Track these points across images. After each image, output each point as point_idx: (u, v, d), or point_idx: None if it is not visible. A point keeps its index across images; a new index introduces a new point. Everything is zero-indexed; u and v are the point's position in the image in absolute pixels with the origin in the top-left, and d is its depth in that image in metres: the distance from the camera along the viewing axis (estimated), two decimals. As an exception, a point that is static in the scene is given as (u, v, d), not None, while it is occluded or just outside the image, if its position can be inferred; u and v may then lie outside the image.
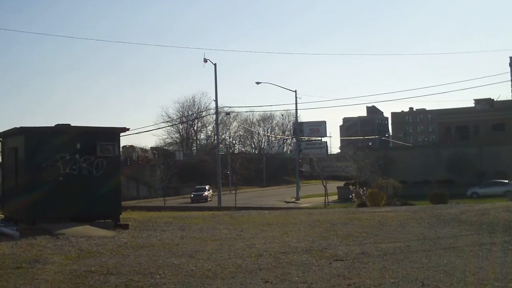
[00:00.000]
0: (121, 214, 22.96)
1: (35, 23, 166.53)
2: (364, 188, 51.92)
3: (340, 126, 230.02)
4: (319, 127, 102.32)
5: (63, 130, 22.57)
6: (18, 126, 22.27)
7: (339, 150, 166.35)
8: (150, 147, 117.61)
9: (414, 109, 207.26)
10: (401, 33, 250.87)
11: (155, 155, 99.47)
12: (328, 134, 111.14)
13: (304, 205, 62.27)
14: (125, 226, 21.53)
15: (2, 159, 25.24)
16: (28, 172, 21.49)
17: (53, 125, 23.03)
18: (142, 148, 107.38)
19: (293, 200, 70.50)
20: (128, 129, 24.21)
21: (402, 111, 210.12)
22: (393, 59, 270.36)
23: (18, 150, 22.36)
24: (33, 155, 21.47)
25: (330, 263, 13.34)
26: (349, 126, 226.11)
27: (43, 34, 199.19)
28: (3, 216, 24.45)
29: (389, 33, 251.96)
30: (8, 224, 21.97)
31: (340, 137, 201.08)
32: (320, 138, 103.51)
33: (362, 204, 45.57)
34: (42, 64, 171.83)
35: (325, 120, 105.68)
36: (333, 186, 69.58)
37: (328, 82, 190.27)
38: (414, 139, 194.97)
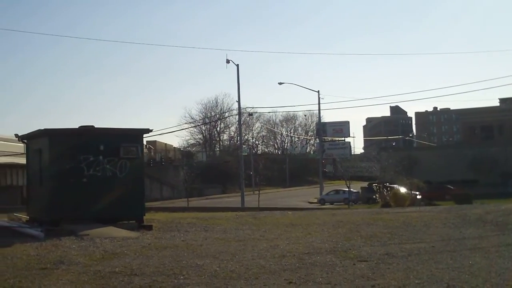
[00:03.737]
0: (144, 215, 23.03)
1: (50, 23, 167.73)
2: (388, 189, 51.70)
3: (364, 126, 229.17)
4: (342, 127, 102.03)
5: (86, 132, 22.68)
6: (41, 128, 22.42)
7: (362, 151, 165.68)
8: (174, 147, 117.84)
9: (438, 109, 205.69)
10: (424, 32, 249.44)
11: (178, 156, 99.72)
12: (351, 135, 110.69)
13: (328, 205, 62.21)
14: (149, 227, 21.59)
15: (26, 161, 25.42)
16: (52, 173, 21.64)
17: (76, 126, 23.15)
18: (166, 144, 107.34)
19: (316, 200, 70.30)
20: (151, 130, 24.26)
21: (426, 111, 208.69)
22: (417, 59, 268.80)
23: (42, 152, 22.51)
24: (57, 157, 21.61)
25: (354, 264, 13.26)
26: (372, 126, 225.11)
27: (61, 36, 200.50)
28: (28, 217, 24.63)
29: (412, 32, 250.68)
30: (33, 225, 22.15)
31: (364, 137, 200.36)
32: (343, 139, 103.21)
33: (386, 205, 45.36)
34: (63, 65, 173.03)
35: (348, 120, 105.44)
36: (356, 186, 69.28)
37: (351, 82, 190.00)
38: (438, 139, 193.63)
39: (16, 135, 25.52)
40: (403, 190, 51.28)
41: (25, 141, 25.21)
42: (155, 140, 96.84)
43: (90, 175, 21.71)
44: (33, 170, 24.14)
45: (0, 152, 57.62)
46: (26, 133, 24.73)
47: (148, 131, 23.97)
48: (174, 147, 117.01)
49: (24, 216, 25.73)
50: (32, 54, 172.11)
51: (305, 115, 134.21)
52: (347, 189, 62.61)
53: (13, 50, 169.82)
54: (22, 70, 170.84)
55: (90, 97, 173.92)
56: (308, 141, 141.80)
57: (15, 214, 27.46)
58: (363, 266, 13.04)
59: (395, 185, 54.09)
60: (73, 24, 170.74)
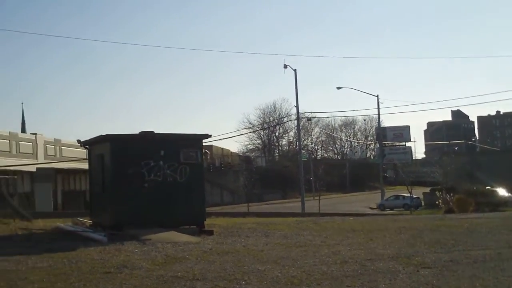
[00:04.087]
0: (205, 220, 23.12)
1: (115, 32, 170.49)
2: (451, 194, 50.86)
3: (424, 131, 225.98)
4: (403, 132, 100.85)
5: (147, 137, 22.89)
6: (103, 133, 22.74)
7: (423, 155, 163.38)
8: (231, 152, 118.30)
9: (502, 113, 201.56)
10: (487, 34, 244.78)
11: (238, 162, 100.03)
12: (412, 139, 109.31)
13: (387, 211, 61.53)
14: (210, 232, 21.66)
15: (89, 166, 25.84)
16: (114, 178, 21.92)
17: (136, 132, 23.39)
18: (223, 149, 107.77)
19: (376, 206, 69.61)
20: (210, 136, 24.36)
21: (489, 115, 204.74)
22: (479, 61, 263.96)
23: (104, 158, 22.82)
24: (119, 162, 21.87)
25: (418, 271, 13.01)
26: (433, 130, 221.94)
27: (125, 44, 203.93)
28: (91, 222, 25.01)
29: (473, 34, 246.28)
30: (96, 229, 22.46)
31: (425, 142, 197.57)
32: (404, 143, 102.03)
33: (449, 211, 44.63)
34: (123, 72, 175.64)
35: (408, 124, 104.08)
36: (418, 192, 68.33)
37: (411, 85, 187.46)
38: (502, 143, 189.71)
39: (79, 141, 25.95)
40: (502, 193, 50.43)
41: (87, 146, 25.61)
42: (211, 145, 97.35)
43: (151, 180, 21.92)
44: (96, 176, 24.49)
45: (64, 158, 58.79)
46: (88, 139, 25.11)
47: (207, 136, 24.07)
48: (231, 152, 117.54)
49: (87, 221, 26.13)
50: (95, 62, 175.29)
51: (364, 120, 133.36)
52: (407, 195, 61.81)
53: (79, 58, 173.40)
54: (86, 78, 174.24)
55: (148, 102, 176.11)
56: (368, 146, 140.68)
57: (78, 218, 27.90)
58: (427, 273, 12.79)
59: (496, 188, 53.24)
60: (139, 31, 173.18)
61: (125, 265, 14.08)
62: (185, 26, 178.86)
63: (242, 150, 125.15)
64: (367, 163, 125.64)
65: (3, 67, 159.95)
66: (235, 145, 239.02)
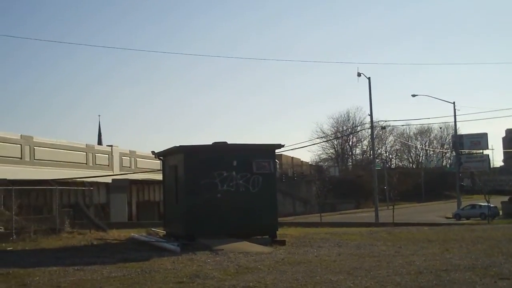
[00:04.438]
0: (277, 230, 23.08)
1: (193, 44, 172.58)
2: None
3: (503, 138, 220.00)
4: (480, 140, 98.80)
5: (220, 147, 23.05)
6: (177, 145, 22.98)
7: (502, 163, 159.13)
8: (301, 161, 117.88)
9: None
10: None
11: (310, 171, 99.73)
12: (490, 147, 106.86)
13: (463, 220, 60.18)
14: (282, 242, 21.60)
15: (163, 177, 26.15)
16: (188, 189, 22.12)
17: (206, 143, 23.55)
18: (293, 158, 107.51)
19: (452, 215, 68.17)
20: (283, 146, 24.33)
21: None
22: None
23: (177, 168, 23.07)
24: (192, 172, 22.07)
25: (495, 282, 12.61)
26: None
27: (198, 56, 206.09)
28: (164, 232, 25.30)
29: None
30: (169, 239, 22.72)
31: (503, 149, 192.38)
32: (481, 151, 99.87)
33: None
34: (199, 85, 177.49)
35: (486, 132, 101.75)
36: (496, 201, 66.60)
37: (490, 91, 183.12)
38: None
39: (153, 152, 26.32)
40: None
41: (161, 157, 25.95)
42: (281, 154, 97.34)
43: (224, 190, 22.05)
44: (169, 186, 24.78)
45: (139, 169, 59.76)
46: (162, 150, 25.42)
47: (280, 146, 24.06)
48: (302, 161, 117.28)
49: (161, 231, 26.46)
50: (169, 74, 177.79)
51: (440, 128, 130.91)
52: (484, 204, 60.30)
53: (153, 70, 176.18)
54: (163, 91, 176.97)
55: (218, 113, 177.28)
56: (444, 154, 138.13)
57: (152, 229, 28.30)
58: (505, 284, 12.38)
59: None
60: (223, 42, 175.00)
61: (198, 275, 14.14)
62: (256, 33, 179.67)
63: (315, 160, 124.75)
64: (443, 171, 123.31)
65: (78, 79, 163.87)
66: (308, 154, 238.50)
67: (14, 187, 26.62)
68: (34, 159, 46.09)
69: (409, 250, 19.13)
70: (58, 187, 31.44)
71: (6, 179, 36.58)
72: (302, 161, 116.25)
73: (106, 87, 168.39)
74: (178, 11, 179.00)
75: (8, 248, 21.48)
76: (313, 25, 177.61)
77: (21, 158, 44.55)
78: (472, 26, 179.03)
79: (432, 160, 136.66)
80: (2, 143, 42.56)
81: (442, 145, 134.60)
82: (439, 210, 78.71)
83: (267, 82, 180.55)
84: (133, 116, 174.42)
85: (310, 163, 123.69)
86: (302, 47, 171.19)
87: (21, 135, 45.35)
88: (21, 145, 44.74)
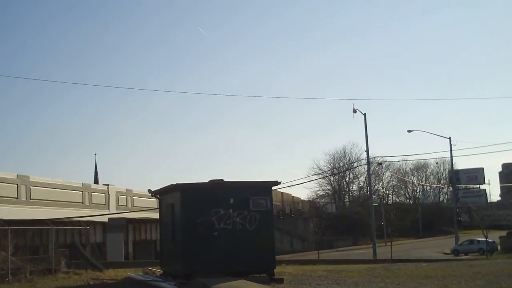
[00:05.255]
0: (275, 268, 22.93)
1: (184, 81, 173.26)
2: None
3: (499, 173, 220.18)
4: (477, 174, 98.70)
5: (217, 185, 23.01)
6: (174, 183, 22.94)
7: (499, 198, 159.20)
8: (302, 200, 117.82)
9: None
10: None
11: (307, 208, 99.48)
12: (486, 181, 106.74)
13: (462, 256, 59.94)
14: (280, 280, 21.47)
15: (159, 215, 26.08)
16: (184, 227, 22.04)
17: (206, 181, 23.53)
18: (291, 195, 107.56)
19: (450, 251, 67.95)
20: (279, 183, 24.33)
21: None
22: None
23: (174, 207, 23.01)
24: (189, 211, 22.02)
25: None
26: (509, 172, 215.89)
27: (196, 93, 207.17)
28: (161, 271, 25.14)
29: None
30: (166, 279, 22.57)
31: (500, 183, 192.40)
32: (478, 186, 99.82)
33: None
34: (195, 122, 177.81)
35: (482, 167, 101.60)
36: (494, 235, 66.45)
37: (485, 125, 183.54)
38: None
39: (149, 191, 26.27)
40: None
41: (158, 196, 25.90)
42: (282, 192, 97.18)
43: (221, 228, 21.97)
44: (166, 224, 24.69)
45: (135, 208, 59.62)
46: (158, 188, 25.37)
47: (277, 183, 24.06)
48: (300, 199, 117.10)
49: (157, 270, 26.30)
50: (162, 113, 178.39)
51: (436, 163, 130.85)
52: (482, 239, 60.15)
53: (150, 108, 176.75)
54: (159, 129, 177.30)
55: (214, 151, 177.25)
56: (441, 189, 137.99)
57: (149, 268, 28.14)
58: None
59: None
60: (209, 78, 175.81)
61: (195, 314, 14.01)
62: (248, 67, 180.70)
63: (312, 196, 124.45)
64: (440, 207, 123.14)
65: (74, 118, 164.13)
66: (304, 191, 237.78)
67: (10, 227, 26.50)
68: (30, 199, 45.98)
69: (407, 287, 19.01)
70: (54, 227, 31.32)
71: (2, 219, 36.46)
72: (299, 198, 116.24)
73: (102, 126, 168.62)
74: (169, 46, 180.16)
75: (4, 289, 21.32)
76: (306, 60, 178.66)
77: (17, 198, 44.43)
78: (468, 61, 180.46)
79: (429, 196, 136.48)
80: (-2, 183, 42.46)
81: (439, 180, 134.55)
82: (437, 246, 78.46)
83: (262, 118, 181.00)
84: (130, 155, 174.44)
85: (307, 199, 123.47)
86: (296, 83, 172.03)
87: (17, 175, 45.29)
88: (17, 184, 44.66)
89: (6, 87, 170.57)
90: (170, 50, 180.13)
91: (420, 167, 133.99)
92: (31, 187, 46.25)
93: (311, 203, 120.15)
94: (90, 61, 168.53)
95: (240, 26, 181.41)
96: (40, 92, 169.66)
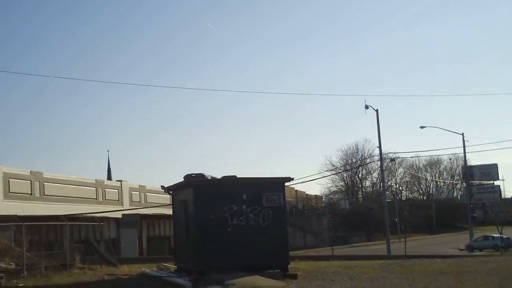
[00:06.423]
0: (289, 264, 22.91)
1: (195, 77, 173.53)
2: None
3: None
4: (490, 170, 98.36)
5: (229, 182, 23.01)
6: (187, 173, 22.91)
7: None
8: (316, 195, 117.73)
9: None
10: None
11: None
12: (500, 177, 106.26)
13: (477, 252, 59.68)
14: (294, 276, 21.45)
15: (173, 212, 26.09)
16: (198, 224, 22.04)
17: (219, 177, 23.53)
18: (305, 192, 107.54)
19: (464, 247, 67.68)
20: (292, 179, 24.26)
21: None
22: None
23: (187, 203, 23.01)
24: (202, 207, 22.01)
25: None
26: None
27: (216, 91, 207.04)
28: (176, 267, 25.17)
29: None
30: (180, 274, 22.58)
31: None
32: (492, 182, 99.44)
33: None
34: (208, 118, 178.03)
35: (496, 162, 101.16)
36: (509, 231, 66.13)
37: (499, 121, 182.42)
38: None
39: (162, 187, 26.28)
40: None
41: (171, 192, 25.90)
42: (294, 188, 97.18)
43: (234, 224, 21.96)
44: (179, 221, 24.70)
45: (149, 204, 59.75)
46: (171, 184, 25.37)
47: (289, 179, 24.01)
48: (313, 195, 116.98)
49: (172, 266, 26.34)
50: (175, 109, 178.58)
51: (450, 159, 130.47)
52: (497, 235, 59.87)
53: (163, 103, 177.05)
54: (172, 124, 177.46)
55: (227, 147, 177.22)
56: (454, 185, 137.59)
57: (163, 264, 28.19)
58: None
59: None
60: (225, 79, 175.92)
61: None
62: (261, 64, 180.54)
63: (325, 193, 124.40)
64: (454, 203, 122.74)
65: (86, 114, 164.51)
66: (317, 187, 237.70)
67: (24, 223, 26.61)
68: (44, 195, 46.14)
69: (422, 283, 18.95)
70: (68, 223, 31.43)
71: (16, 215, 36.66)
72: (312, 194, 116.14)
73: (114, 122, 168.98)
74: (181, 43, 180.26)
75: (19, 285, 21.41)
76: (318, 55, 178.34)
77: (31, 194, 44.60)
78: (480, 57, 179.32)
79: (442, 192, 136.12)
80: (12, 179, 42.64)
81: (452, 176, 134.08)
82: (451, 242, 78.18)
83: (275, 114, 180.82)
84: (142, 151, 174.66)
85: (320, 196, 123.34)
86: (308, 80, 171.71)
87: (30, 171, 45.47)
88: (31, 181, 44.83)
89: (17, 83, 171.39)
90: (179, 48, 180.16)
91: (433, 163, 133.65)
92: (44, 183, 46.40)
93: (324, 199, 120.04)
94: (101, 57, 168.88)
95: (253, 23, 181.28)
96: (52, 88, 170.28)
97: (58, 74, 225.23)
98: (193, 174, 23.06)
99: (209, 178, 23.21)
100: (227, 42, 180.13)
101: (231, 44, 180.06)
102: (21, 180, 43.72)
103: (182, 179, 23.23)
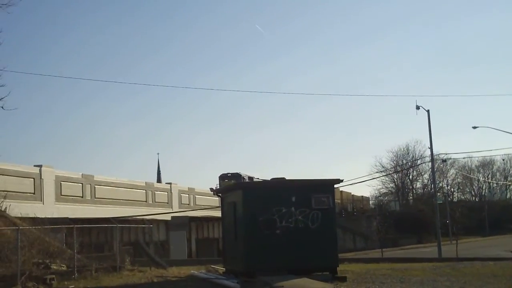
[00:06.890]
0: (338, 266, 22.75)
1: (242, 81, 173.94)
2: None
3: None
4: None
5: (278, 184, 23.00)
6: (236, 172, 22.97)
7: None
8: (362, 196, 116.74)
9: None
10: None
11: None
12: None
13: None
14: (343, 279, 21.29)
15: (221, 214, 26.14)
16: (246, 226, 22.03)
17: (268, 179, 23.51)
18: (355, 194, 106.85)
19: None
20: (342, 181, 24.15)
21: None
22: None
23: (236, 205, 23.03)
24: (251, 209, 22.00)
25: None
26: None
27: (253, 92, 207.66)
28: (224, 269, 25.21)
29: None
30: (229, 276, 22.61)
31: None
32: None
33: None
34: (254, 119, 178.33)
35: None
36: None
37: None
38: None
39: (211, 189, 26.42)
40: None
41: (220, 194, 25.97)
42: (341, 191, 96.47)
43: (282, 226, 21.90)
44: (228, 223, 24.73)
45: (198, 206, 60.09)
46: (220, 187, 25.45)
47: (339, 181, 23.90)
48: (362, 196, 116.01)
49: (220, 268, 26.39)
50: (220, 109, 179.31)
51: (503, 159, 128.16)
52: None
53: (207, 104, 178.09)
54: (220, 125, 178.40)
55: (276, 149, 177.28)
56: (507, 186, 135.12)
57: (212, 266, 28.27)
58: None
59: None
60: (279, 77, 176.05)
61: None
62: (311, 68, 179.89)
63: (375, 194, 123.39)
64: (508, 204, 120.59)
65: (137, 116, 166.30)
66: (367, 189, 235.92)
67: (75, 226, 26.96)
68: (95, 198, 46.83)
69: (474, 286, 18.63)
70: (118, 225, 31.74)
71: (68, 217, 37.20)
72: (362, 196, 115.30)
73: (164, 125, 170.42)
74: (229, 43, 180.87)
75: (70, 286, 21.71)
76: (372, 57, 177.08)
77: (82, 197, 45.31)
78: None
79: (495, 193, 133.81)
80: (64, 182, 43.42)
81: (506, 177, 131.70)
82: (505, 245, 76.63)
83: (327, 117, 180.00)
84: (191, 153, 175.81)
85: (370, 197, 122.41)
86: (359, 81, 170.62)
87: (82, 174, 46.17)
88: (82, 184, 45.55)
89: (68, 86, 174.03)
90: (229, 47, 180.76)
91: (486, 164, 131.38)
92: (95, 186, 47.09)
93: (375, 201, 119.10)
94: (162, 62, 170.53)
95: (308, 25, 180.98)
96: (104, 92, 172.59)
97: (113, 78, 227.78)
98: (229, 173, 23.12)
99: (246, 177, 23.24)
100: (286, 42, 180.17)
101: (287, 46, 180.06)
102: (72, 183, 44.47)
103: (218, 179, 23.26)
